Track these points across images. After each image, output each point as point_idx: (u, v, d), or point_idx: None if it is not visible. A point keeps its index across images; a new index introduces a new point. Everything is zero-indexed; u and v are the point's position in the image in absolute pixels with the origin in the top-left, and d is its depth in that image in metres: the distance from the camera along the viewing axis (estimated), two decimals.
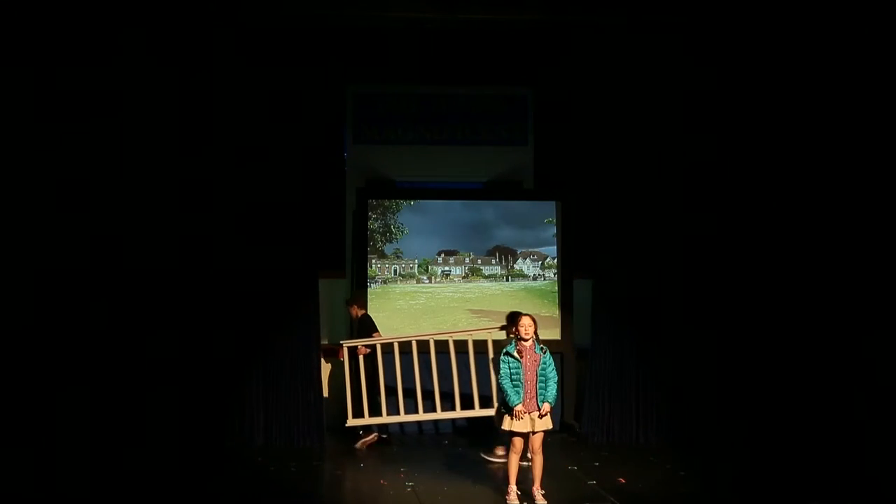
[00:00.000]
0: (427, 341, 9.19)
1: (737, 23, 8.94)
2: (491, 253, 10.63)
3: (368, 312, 9.74)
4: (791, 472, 7.95)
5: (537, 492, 6.98)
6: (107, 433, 8.26)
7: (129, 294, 8.56)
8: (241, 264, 8.91)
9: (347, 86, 10.72)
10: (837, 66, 8.73)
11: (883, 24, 8.32)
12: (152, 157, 8.67)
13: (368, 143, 10.86)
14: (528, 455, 7.15)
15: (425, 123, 10.91)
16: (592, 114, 9.73)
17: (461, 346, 9.14)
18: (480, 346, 9.11)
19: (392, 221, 10.54)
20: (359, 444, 9.21)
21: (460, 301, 10.41)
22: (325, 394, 9.48)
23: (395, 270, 10.50)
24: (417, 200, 10.63)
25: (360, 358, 9.12)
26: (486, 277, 10.55)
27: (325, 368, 9.76)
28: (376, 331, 9.42)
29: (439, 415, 9.23)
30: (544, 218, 10.64)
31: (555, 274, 10.51)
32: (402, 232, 10.53)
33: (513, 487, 7.04)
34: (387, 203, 10.54)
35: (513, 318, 8.51)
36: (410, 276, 10.49)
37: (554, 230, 10.56)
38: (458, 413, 9.18)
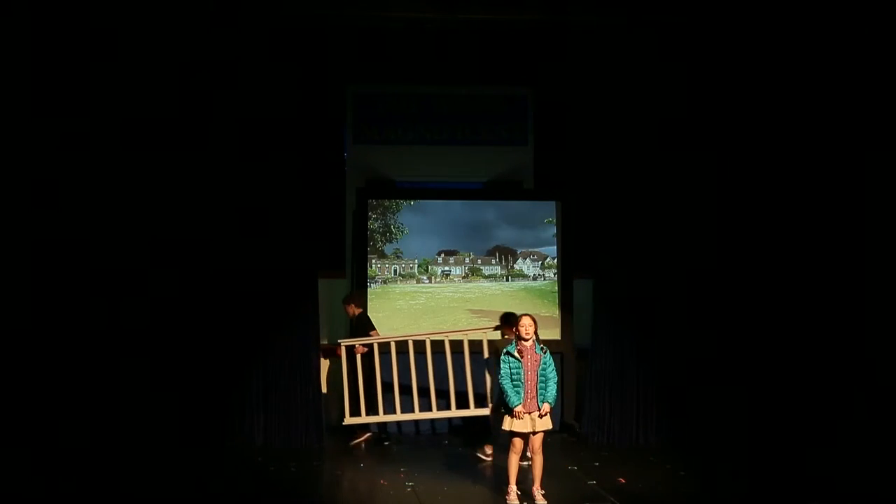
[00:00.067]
0: (423, 341, 9.21)
1: (737, 23, 8.94)
2: (491, 253, 10.63)
3: (368, 312, 9.75)
4: (791, 472, 7.95)
5: (537, 492, 6.98)
6: (107, 433, 8.26)
7: (129, 294, 8.56)
8: (241, 264, 8.91)
9: (347, 86, 10.73)
10: (838, 65, 8.74)
11: (883, 24, 8.32)
12: (151, 157, 8.66)
13: (368, 143, 10.87)
14: (528, 454, 7.16)
15: (425, 123, 10.92)
16: (592, 113, 9.73)
17: (457, 345, 9.17)
18: (476, 346, 9.13)
19: (392, 221, 10.54)
20: (353, 443, 9.23)
21: (460, 301, 10.41)
22: (324, 391, 9.51)
23: (395, 270, 10.50)
24: (417, 200, 10.63)
25: (358, 357, 9.15)
26: (486, 277, 10.55)
27: (325, 368, 9.75)
28: (373, 329, 9.45)
29: (435, 414, 9.26)
30: (544, 218, 10.64)
31: (555, 274, 10.51)
32: (402, 232, 10.53)
33: (513, 487, 7.04)
34: (387, 203, 10.54)
35: (507, 319, 8.56)
36: (410, 276, 10.49)
37: (554, 230, 10.56)
38: (454, 412, 9.22)
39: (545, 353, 7.02)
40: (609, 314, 9.44)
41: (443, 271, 10.53)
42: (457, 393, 9.13)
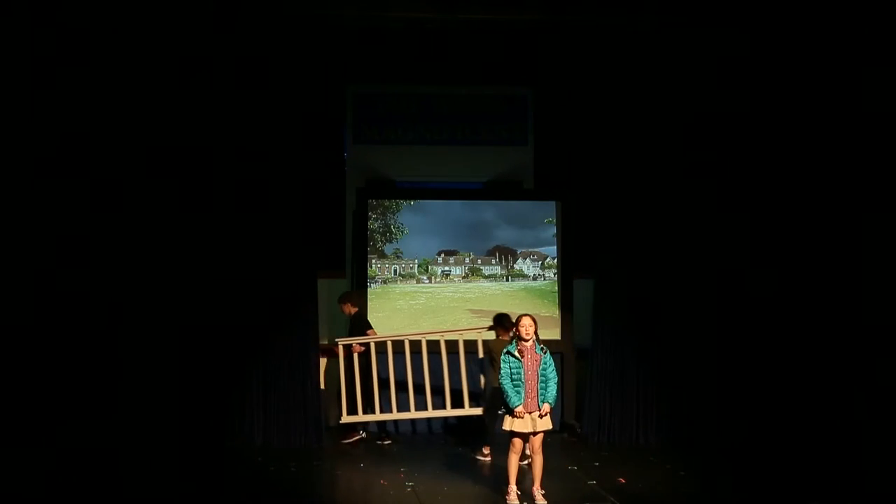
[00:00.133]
0: (419, 341, 9.25)
1: (737, 22, 8.93)
2: (491, 253, 10.63)
3: (368, 312, 9.75)
4: (791, 472, 7.95)
5: (537, 492, 6.98)
6: (107, 433, 8.26)
7: (130, 294, 8.56)
8: (241, 264, 8.91)
9: (347, 86, 10.73)
10: (838, 64, 8.73)
11: (884, 24, 8.33)
12: (151, 156, 8.66)
13: (368, 143, 10.87)
14: (528, 453, 7.17)
15: (425, 123, 10.92)
16: (592, 114, 9.73)
17: (452, 345, 9.22)
18: (471, 346, 9.18)
19: (392, 221, 10.54)
20: (344, 442, 9.30)
21: (460, 301, 10.41)
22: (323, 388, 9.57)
23: (395, 270, 10.50)
24: (417, 200, 10.63)
25: (355, 356, 9.20)
26: (486, 277, 10.55)
27: (321, 367, 9.76)
28: (370, 328, 9.51)
29: (430, 413, 9.31)
30: (544, 218, 10.64)
31: (555, 274, 10.51)
32: (402, 232, 10.53)
33: (513, 487, 7.05)
34: (387, 203, 10.54)
35: (499, 320, 8.58)
36: (410, 276, 10.48)
37: (554, 230, 10.56)
38: (449, 411, 9.28)
39: (545, 353, 7.02)
40: (609, 314, 9.44)
41: (443, 271, 10.53)
42: (452, 392, 9.17)
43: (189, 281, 8.75)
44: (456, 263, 10.56)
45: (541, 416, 6.93)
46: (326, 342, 9.82)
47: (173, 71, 8.66)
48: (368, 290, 10.22)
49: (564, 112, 10.42)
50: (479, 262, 10.58)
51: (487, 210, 10.72)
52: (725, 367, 9.17)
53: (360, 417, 9.23)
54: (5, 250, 8.09)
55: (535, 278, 10.57)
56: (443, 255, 10.58)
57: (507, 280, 10.56)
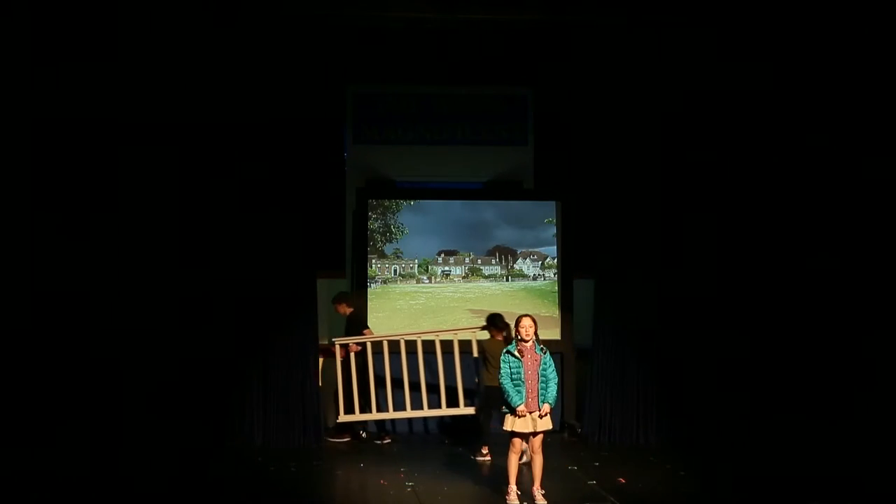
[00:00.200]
0: (415, 340, 9.30)
1: (737, 22, 8.93)
2: (491, 253, 10.62)
3: (368, 312, 9.76)
4: (791, 472, 7.94)
5: (537, 492, 6.97)
6: (107, 433, 8.26)
7: (129, 294, 8.56)
8: (241, 264, 8.91)
9: (347, 86, 10.73)
10: (839, 64, 8.74)
11: (884, 24, 8.33)
12: (151, 156, 8.65)
13: (368, 143, 10.87)
14: (527, 453, 7.16)
15: (425, 123, 10.92)
16: (592, 114, 9.74)
17: (447, 345, 9.26)
18: (466, 345, 9.23)
19: (392, 221, 10.54)
20: (331, 440, 9.35)
21: (460, 301, 10.41)
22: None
23: (395, 270, 10.49)
24: (417, 200, 10.63)
25: (352, 355, 9.24)
26: (486, 277, 10.55)
27: (320, 367, 9.77)
28: (366, 327, 9.55)
29: (426, 412, 9.35)
30: (544, 218, 10.64)
31: (555, 274, 10.50)
32: (402, 232, 10.53)
33: (513, 487, 7.04)
34: (387, 203, 10.54)
35: (493, 321, 8.59)
36: (410, 276, 10.48)
37: (554, 230, 10.56)
38: (444, 410, 9.32)
39: (545, 353, 7.01)
40: (609, 314, 9.45)
41: (443, 271, 10.53)
42: (447, 391, 9.21)
43: (189, 281, 8.75)
44: (456, 263, 10.56)
45: (541, 417, 6.93)
46: (326, 342, 9.82)
47: (173, 70, 8.66)
48: (368, 290, 10.22)
49: (564, 112, 10.41)
50: (479, 262, 10.58)
51: (487, 210, 10.72)
52: (725, 367, 9.17)
53: (357, 417, 9.26)
54: (5, 250, 8.10)
55: (535, 278, 10.57)
56: (443, 255, 10.58)
57: (507, 280, 10.55)
